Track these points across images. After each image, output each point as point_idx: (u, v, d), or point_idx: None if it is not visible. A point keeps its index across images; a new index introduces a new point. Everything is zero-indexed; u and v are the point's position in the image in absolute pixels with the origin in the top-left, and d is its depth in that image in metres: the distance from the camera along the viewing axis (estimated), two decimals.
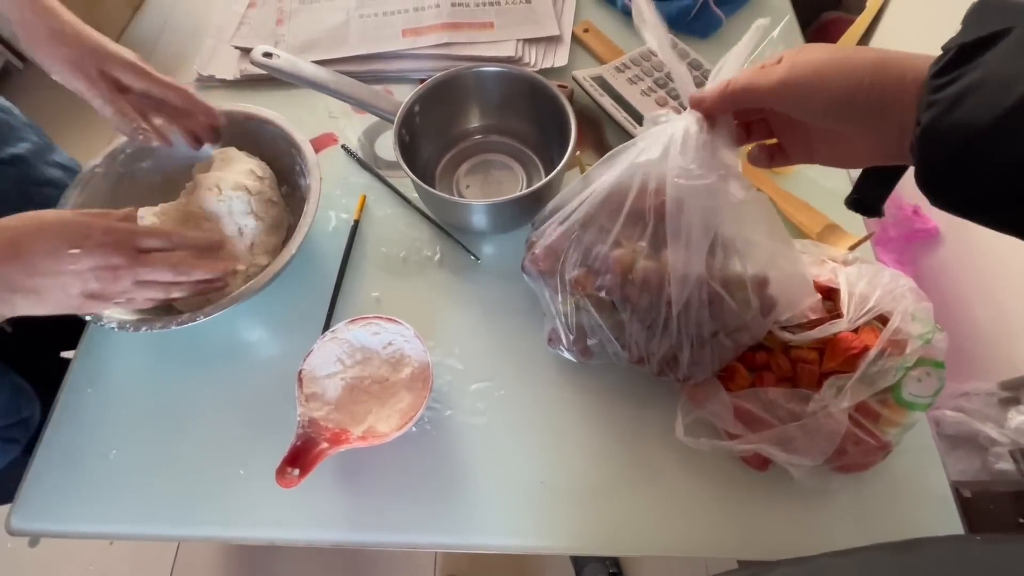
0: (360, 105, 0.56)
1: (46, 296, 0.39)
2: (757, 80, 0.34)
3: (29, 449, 0.56)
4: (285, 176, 0.58)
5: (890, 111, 0.29)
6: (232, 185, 0.52)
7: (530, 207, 0.51)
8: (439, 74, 0.56)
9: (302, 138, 0.55)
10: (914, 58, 0.29)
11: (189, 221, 0.52)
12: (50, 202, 0.53)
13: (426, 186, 0.50)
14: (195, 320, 0.46)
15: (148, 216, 0.52)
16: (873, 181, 0.35)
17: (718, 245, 0.41)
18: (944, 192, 0.28)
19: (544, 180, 0.50)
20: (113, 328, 0.46)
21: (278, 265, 0.48)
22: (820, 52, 0.32)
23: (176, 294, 0.45)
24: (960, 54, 0.26)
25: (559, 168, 0.50)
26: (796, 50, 0.33)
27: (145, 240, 0.42)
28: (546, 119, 0.56)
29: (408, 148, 0.54)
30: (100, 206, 0.54)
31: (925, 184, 0.28)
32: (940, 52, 0.27)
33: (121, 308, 0.45)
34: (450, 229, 0.58)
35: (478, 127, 0.62)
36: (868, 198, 0.35)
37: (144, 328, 0.46)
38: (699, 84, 0.60)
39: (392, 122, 0.54)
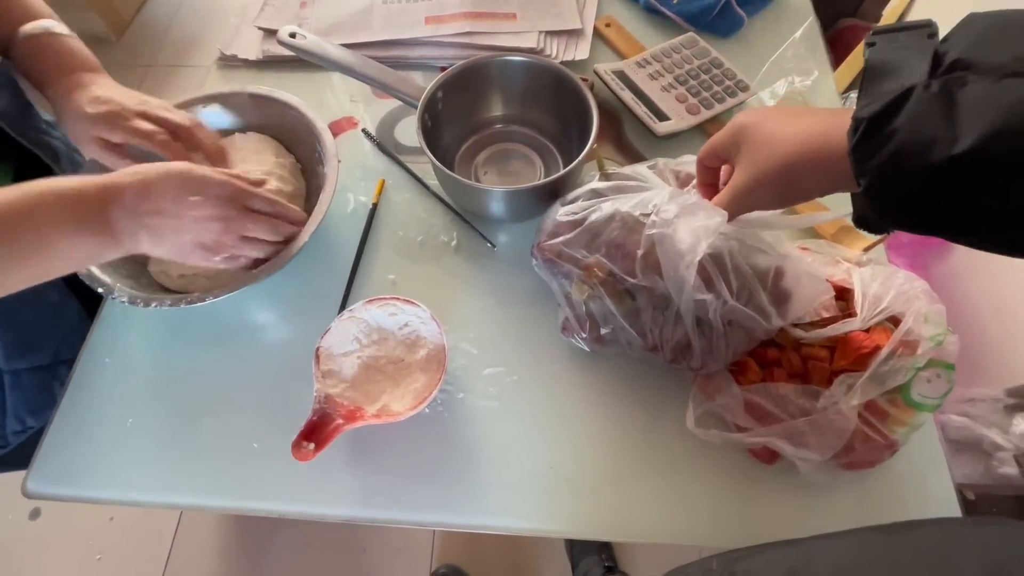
0: (384, 89, 0.56)
1: (164, 237, 0.42)
2: (732, 199, 0.39)
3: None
4: (304, 161, 0.59)
5: (830, 165, 0.32)
6: (260, 174, 0.53)
7: (547, 197, 0.51)
8: (464, 61, 0.57)
9: (323, 126, 0.56)
10: (831, 126, 0.32)
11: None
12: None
13: (446, 169, 0.51)
14: (204, 300, 0.47)
15: None
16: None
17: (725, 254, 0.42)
18: (894, 225, 0.31)
19: (562, 172, 0.51)
20: (124, 302, 0.47)
21: (293, 250, 0.48)
22: (769, 109, 0.38)
23: (264, 255, 0.48)
24: (871, 127, 0.28)
25: (577, 161, 0.51)
26: (748, 148, 0.37)
27: (254, 201, 0.46)
28: (568, 111, 0.57)
29: (430, 133, 0.54)
30: None
31: (877, 219, 0.31)
32: (852, 122, 0.29)
33: (224, 264, 0.47)
34: (467, 215, 0.58)
35: (499, 116, 0.63)
36: (868, 213, 0.36)
37: (154, 304, 0.47)
38: (730, 92, 0.61)
39: (415, 107, 0.54)
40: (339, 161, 0.53)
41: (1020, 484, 0.54)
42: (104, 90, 0.49)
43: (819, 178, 0.34)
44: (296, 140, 0.59)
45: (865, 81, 0.30)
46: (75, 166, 0.59)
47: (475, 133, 0.63)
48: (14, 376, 0.54)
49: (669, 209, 0.42)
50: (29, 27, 0.49)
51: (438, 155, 0.52)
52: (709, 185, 0.43)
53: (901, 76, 0.28)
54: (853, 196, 0.36)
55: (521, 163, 0.61)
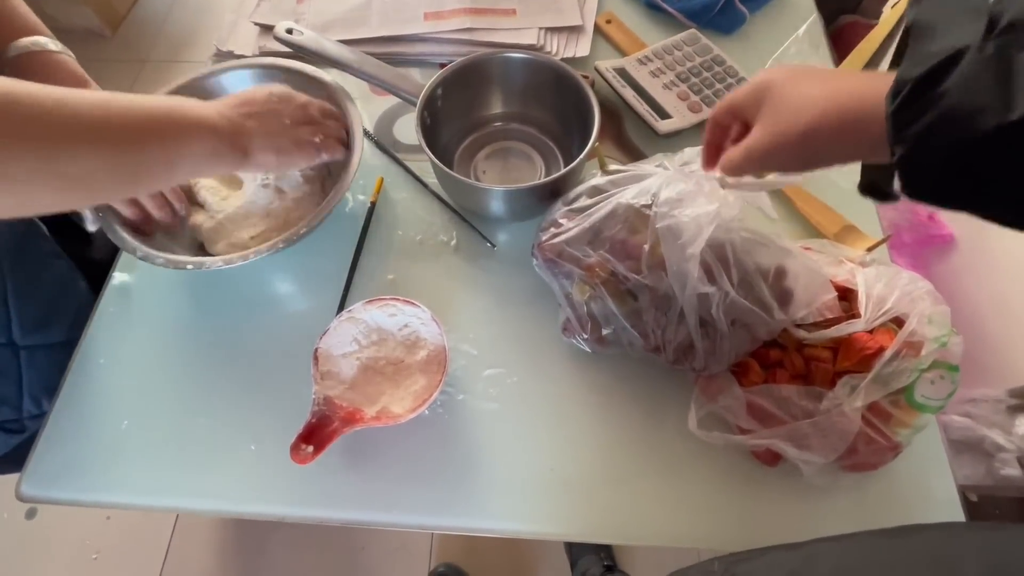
0: (383, 86, 0.55)
1: (272, 138, 0.46)
2: (748, 157, 0.36)
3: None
4: None
5: (861, 132, 0.30)
6: None
7: (547, 197, 0.51)
8: (464, 58, 0.56)
9: (351, 101, 0.55)
10: (868, 88, 0.29)
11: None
12: None
13: (445, 168, 0.50)
14: (232, 263, 0.47)
15: None
16: (877, 167, 0.35)
17: (727, 248, 0.42)
18: (925, 200, 0.29)
19: (563, 171, 0.50)
20: (165, 265, 0.48)
21: (321, 215, 0.49)
22: (793, 67, 0.34)
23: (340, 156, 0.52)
24: (916, 90, 0.26)
25: (579, 160, 0.50)
26: (772, 107, 0.34)
27: (316, 112, 0.51)
28: (569, 109, 0.56)
29: (429, 131, 0.54)
30: None
31: (907, 193, 0.29)
32: (894, 84, 0.27)
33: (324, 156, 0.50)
34: (466, 214, 0.58)
35: (499, 114, 0.62)
36: (877, 181, 0.35)
37: (207, 266, 0.48)
38: (732, 90, 0.61)
39: (414, 104, 0.53)
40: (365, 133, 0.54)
41: (1023, 486, 0.54)
42: None
43: (847, 144, 0.31)
44: None
45: (911, 41, 0.27)
46: None
47: (475, 131, 0.62)
48: (30, 352, 0.54)
49: (669, 195, 0.41)
50: (22, 43, 0.49)
51: (437, 153, 0.51)
52: (716, 146, 0.40)
53: (951, 37, 0.25)
54: (864, 165, 0.35)
55: (521, 161, 0.61)
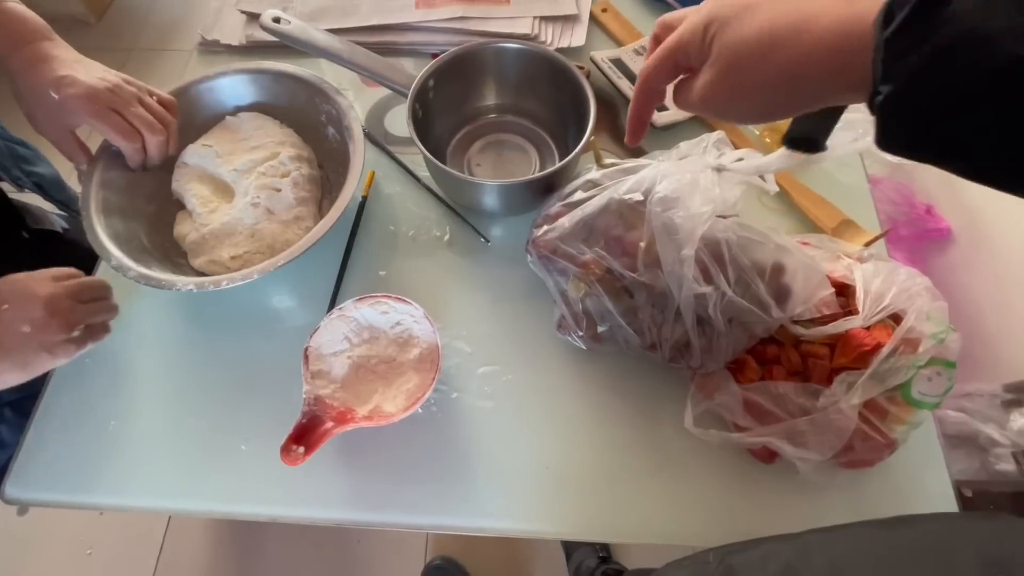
0: (373, 77, 0.54)
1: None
2: (696, 105, 0.30)
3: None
4: (320, 148, 0.58)
5: (846, 71, 0.24)
6: (293, 156, 0.54)
7: (541, 191, 0.50)
8: (456, 48, 0.55)
9: (348, 104, 0.54)
10: (855, 4, 0.24)
11: (239, 145, 0.55)
12: (30, 159, 0.59)
13: (438, 162, 0.49)
14: (203, 287, 0.45)
15: (197, 148, 0.54)
16: (813, 116, 0.30)
17: (723, 245, 0.41)
18: (909, 150, 0.24)
19: (558, 165, 0.49)
20: (136, 279, 0.46)
21: (314, 238, 0.47)
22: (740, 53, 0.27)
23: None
24: (921, 7, 0.21)
25: (573, 154, 0.49)
26: (729, 48, 0.27)
27: (66, 300, 0.43)
28: (564, 101, 0.55)
29: (421, 123, 0.52)
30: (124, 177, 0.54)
31: (885, 141, 0.24)
32: (887, 3, 0.22)
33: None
34: (460, 209, 0.57)
35: (493, 106, 0.61)
36: (810, 133, 0.31)
37: (179, 287, 0.46)
38: None
39: (405, 96, 0.52)
40: (365, 131, 0.53)
41: (1017, 480, 0.54)
42: (70, 68, 0.46)
43: (826, 88, 0.25)
44: (297, 117, 0.58)
45: None
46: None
47: (468, 123, 0.61)
48: None
49: (665, 193, 0.40)
50: None
51: (430, 146, 0.50)
52: (647, 121, 0.35)
53: None
54: (796, 119, 0.30)
55: (516, 154, 0.60)
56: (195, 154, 0.54)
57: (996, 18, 0.20)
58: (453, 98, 0.58)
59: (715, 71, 0.28)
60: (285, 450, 0.40)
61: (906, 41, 0.21)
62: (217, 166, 0.54)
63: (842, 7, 0.24)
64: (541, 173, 0.50)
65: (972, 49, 0.20)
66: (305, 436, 0.41)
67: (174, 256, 0.53)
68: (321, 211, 0.55)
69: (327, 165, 0.58)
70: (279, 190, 0.52)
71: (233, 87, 0.57)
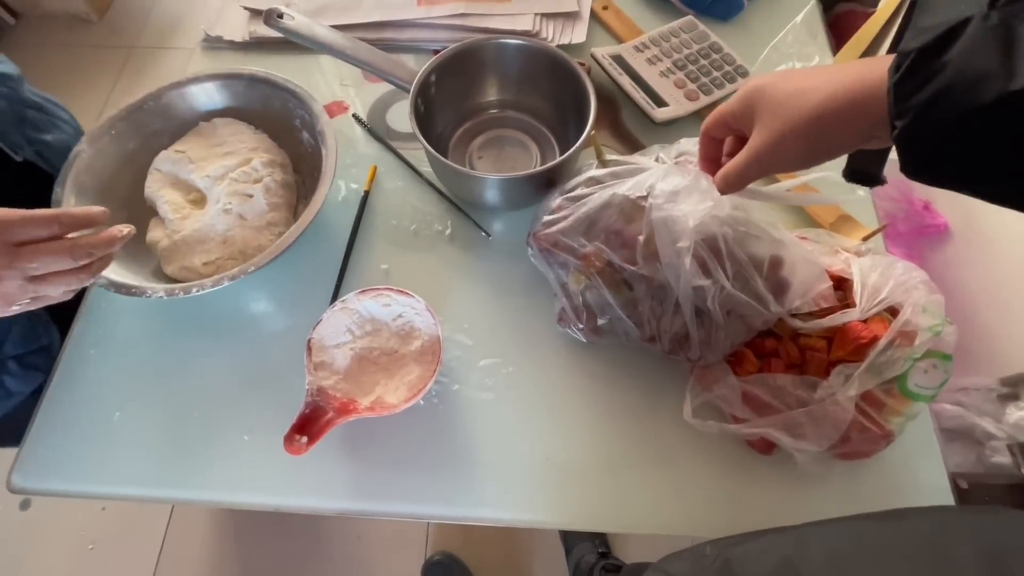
0: (376, 72, 0.54)
1: None
2: (722, 106, 0.37)
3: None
4: (295, 152, 0.58)
5: (865, 110, 0.29)
6: (266, 162, 0.54)
7: (542, 186, 0.50)
8: (458, 44, 0.55)
9: (320, 109, 0.54)
10: (867, 70, 0.29)
11: (213, 151, 0.55)
12: (40, 125, 0.56)
13: (439, 156, 0.49)
14: (202, 290, 0.45)
15: (170, 154, 0.54)
16: (865, 152, 0.35)
17: (719, 239, 0.41)
18: (925, 176, 0.28)
19: (558, 160, 0.50)
20: (107, 287, 0.45)
21: (288, 240, 0.47)
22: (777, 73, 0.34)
23: (78, 286, 0.40)
24: (918, 61, 0.26)
25: (574, 149, 0.49)
26: (768, 106, 0.34)
27: (21, 230, 0.36)
28: (565, 97, 0.55)
29: (423, 118, 0.53)
30: (111, 164, 0.54)
31: (907, 170, 0.28)
32: (896, 57, 0.27)
33: (34, 306, 0.39)
34: (461, 203, 0.57)
35: (494, 101, 0.61)
36: (866, 167, 0.35)
37: (148, 294, 0.45)
38: (729, 78, 0.60)
39: (408, 91, 0.52)
40: (336, 158, 0.52)
41: (1012, 473, 0.55)
42: None
43: (852, 124, 0.31)
44: (272, 122, 0.58)
45: (914, 15, 0.27)
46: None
47: (470, 119, 0.61)
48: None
49: (666, 190, 0.41)
50: None
51: (431, 141, 0.51)
52: (713, 160, 0.40)
53: (954, 9, 0.26)
54: (851, 156, 0.35)
55: (517, 150, 0.60)
56: (168, 160, 0.54)
57: (982, 63, 0.24)
58: (455, 94, 0.58)
59: (759, 126, 0.34)
60: (288, 439, 0.41)
61: (911, 85, 0.26)
62: (190, 172, 0.53)
63: (859, 64, 0.30)
64: (541, 168, 0.50)
65: (964, 89, 0.24)
66: (308, 426, 0.42)
67: (148, 263, 0.53)
68: (296, 215, 0.55)
69: (302, 170, 0.57)
70: (251, 196, 0.52)
71: (207, 93, 0.57)
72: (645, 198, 0.42)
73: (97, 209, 0.40)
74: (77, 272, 0.38)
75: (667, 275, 0.42)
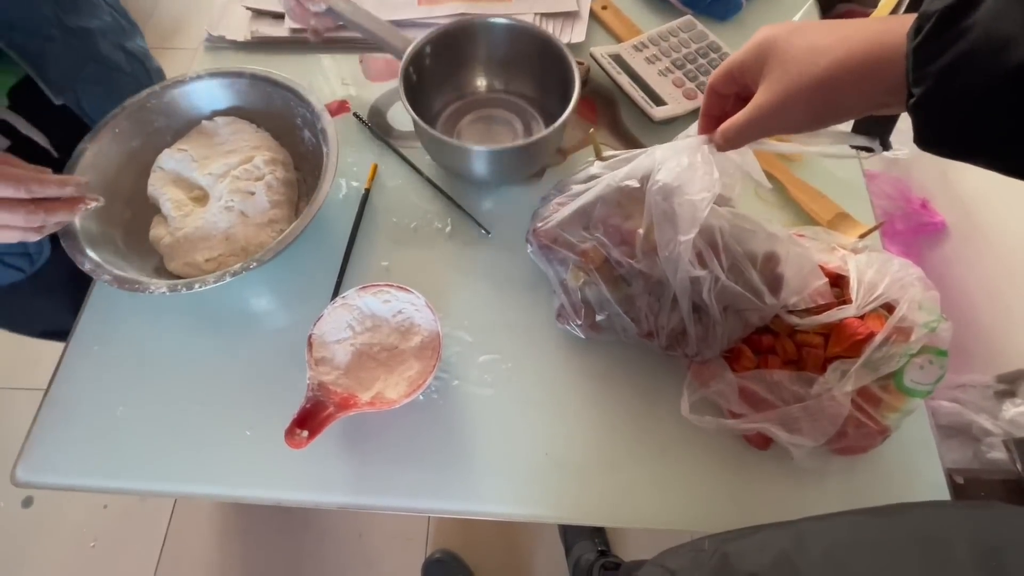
0: (371, 37, 0.56)
1: None
2: (734, 56, 0.34)
3: (33, 280, 0.58)
4: (296, 151, 0.58)
5: (880, 75, 0.28)
6: (268, 160, 0.54)
7: (527, 159, 0.52)
8: (451, 21, 0.57)
9: (321, 108, 0.54)
10: (886, 30, 0.28)
11: (215, 149, 0.55)
12: (112, 82, 0.56)
13: (427, 127, 0.50)
14: (205, 285, 0.46)
15: (172, 152, 0.54)
16: (870, 120, 0.34)
17: (716, 232, 0.42)
18: (941, 146, 0.27)
19: (543, 133, 0.51)
20: (110, 283, 0.46)
21: (290, 237, 0.48)
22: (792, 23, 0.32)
23: (36, 238, 0.42)
24: (941, 23, 0.24)
25: (559, 122, 0.51)
26: (779, 61, 0.32)
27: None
28: (550, 77, 0.57)
29: (414, 89, 0.54)
30: (114, 162, 0.54)
31: (922, 140, 0.27)
32: (916, 20, 0.25)
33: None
34: (456, 196, 0.57)
35: (484, 81, 0.63)
36: (871, 133, 0.35)
37: (151, 289, 0.46)
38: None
39: (400, 59, 0.54)
40: (336, 159, 0.52)
41: (1008, 469, 0.55)
42: None
43: (865, 89, 0.29)
44: (273, 121, 0.58)
45: None
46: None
47: (460, 98, 0.63)
48: None
49: (666, 180, 0.40)
50: None
51: (421, 116, 0.52)
52: (715, 117, 0.38)
53: None
54: (856, 122, 0.34)
55: (504, 128, 0.61)
56: (171, 159, 0.55)
57: (1008, 26, 0.22)
58: (446, 70, 0.60)
59: (767, 82, 0.32)
60: (289, 434, 0.41)
61: (932, 49, 0.24)
62: (192, 170, 0.54)
63: (876, 24, 0.28)
64: (522, 142, 0.52)
65: (988, 54, 0.23)
66: (309, 420, 0.42)
67: (151, 259, 0.53)
68: (298, 213, 0.55)
69: (303, 168, 0.58)
70: (253, 194, 0.53)
71: (209, 91, 0.57)
72: (640, 189, 0.42)
73: (73, 182, 0.42)
74: (26, 230, 0.41)
75: (665, 268, 0.42)
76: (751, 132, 0.34)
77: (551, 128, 0.50)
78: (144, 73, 0.64)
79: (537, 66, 0.58)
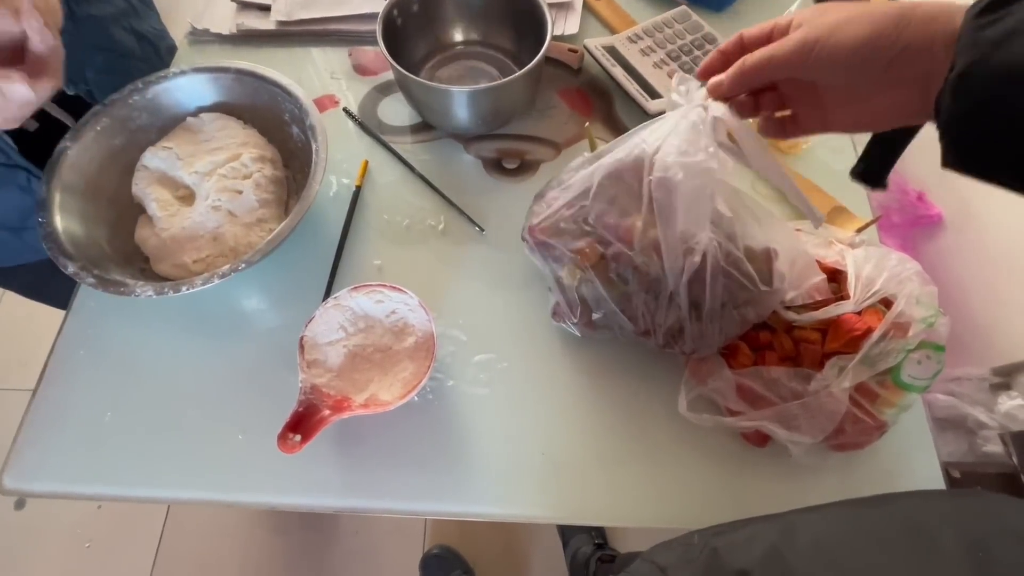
0: None
1: None
2: (775, 52, 0.33)
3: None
4: (285, 148, 0.57)
5: (916, 59, 0.28)
6: (255, 157, 0.53)
7: (505, 103, 0.55)
8: None
9: (309, 104, 0.53)
10: (943, 5, 0.28)
11: (201, 147, 0.54)
12: (123, 69, 0.55)
13: (406, 72, 0.51)
14: (192, 288, 0.45)
15: (157, 151, 0.53)
16: (880, 148, 0.34)
17: (720, 221, 0.41)
18: (968, 144, 0.26)
19: (519, 72, 0.52)
20: (94, 286, 0.45)
21: (281, 235, 0.47)
22: (837, 9, 0.31)
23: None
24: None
25: (535, 62, 0.52)
26: (809, 10, 0.32)
27: None
28: (524, 26, 0.58)
29: (397, 33, 0.55)
30: (96, 161, 0.53)
31: (949, 136, 0.27)
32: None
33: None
34: (446, 190, 0.57)
35: (463, 36, 0.64)
36: (873, 166, 0.35)
37: (137, 292, 0.45)
38: None
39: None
40: (326, 156, 0.51)
41: (1004, 461, 0.55)
42: None
43: (893, 76, 0.29)
44: (261, 116, 0.57)
45: None
46: None
47: (440, 52, 0.64)
48: None
49: (665, 160, 0.39)
50: None
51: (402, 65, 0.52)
52: (713, 73, 0.36)
53: None
54: (865, 151, 0.34)
55: (484, 79, 0.62)
56: (155, 157, 0.53)
57: None
58: (426, 23, 0.61)
59: (803, 23, 0.31)
60: (282, 438, 0.41)
61: (993, 15, 0.24)
62: (178, 169, 0.52)
63: (932, 8, 0.28)
64: (500, 81, 0.52)
65: None
66: (301, 424, 0.41)
67: (137, 261, 0.52)
68: (287, 211, 0.54)
69: (292, 165, 0.56)
70: (241, 192, 0.51)
71: (193, 87, 0.56)
72: (632, 171, 0.40)
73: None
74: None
75: (666, 261, 0.40)
76: (764, 72, 0.33)
77: (528, 66, 0.51)
78: (155, 55, 0.62)
79: (509, 16, 0.60)
